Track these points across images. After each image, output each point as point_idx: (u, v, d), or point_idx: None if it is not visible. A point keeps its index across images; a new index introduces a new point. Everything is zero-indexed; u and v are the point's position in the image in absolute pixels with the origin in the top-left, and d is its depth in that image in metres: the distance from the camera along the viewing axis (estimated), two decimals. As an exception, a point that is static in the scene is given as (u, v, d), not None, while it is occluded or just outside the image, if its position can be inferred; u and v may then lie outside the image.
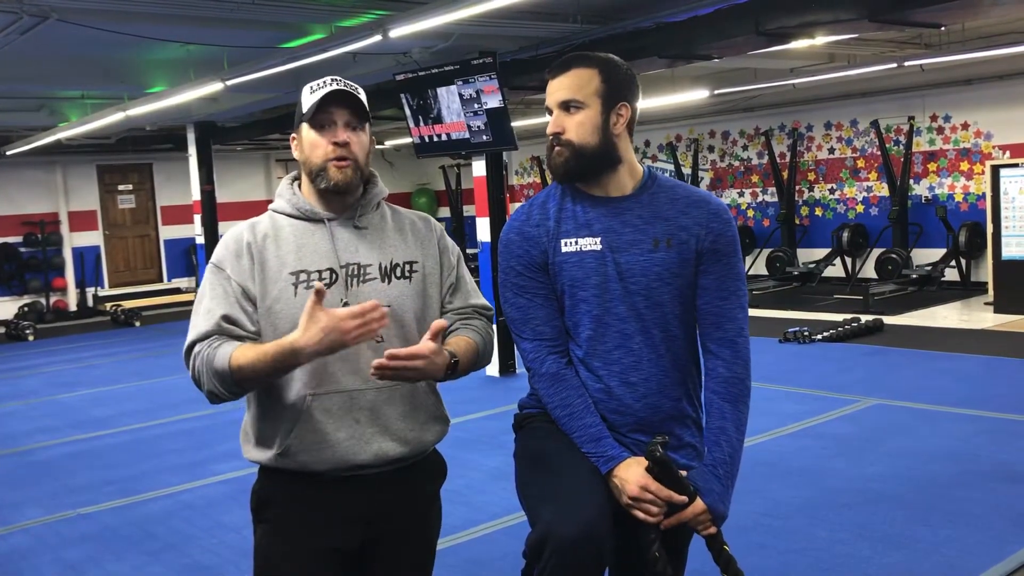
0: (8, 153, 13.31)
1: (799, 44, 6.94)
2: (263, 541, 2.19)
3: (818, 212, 13.32)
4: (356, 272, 2.15)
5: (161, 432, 6.79)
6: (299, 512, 2.14)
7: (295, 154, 2.22)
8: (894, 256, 11.74)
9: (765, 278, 12.96)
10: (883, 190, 12.43)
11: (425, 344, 2.00)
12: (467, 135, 7.81)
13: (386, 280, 2.17)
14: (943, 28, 6.81)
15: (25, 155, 13.51)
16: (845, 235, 12.39)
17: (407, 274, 2.20)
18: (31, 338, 12.82)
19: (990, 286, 10.52)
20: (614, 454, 2.13)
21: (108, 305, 14.61)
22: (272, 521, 2.18)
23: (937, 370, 7.36)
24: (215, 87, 8.02)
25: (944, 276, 11.54)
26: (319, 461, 2.11)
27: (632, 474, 2.08)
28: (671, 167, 14.50)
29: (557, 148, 2.19)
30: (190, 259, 15.76)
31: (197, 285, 14.78)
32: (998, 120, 11.38)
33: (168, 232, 16.06)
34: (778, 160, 13.35)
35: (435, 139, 8.18)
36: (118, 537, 4.63)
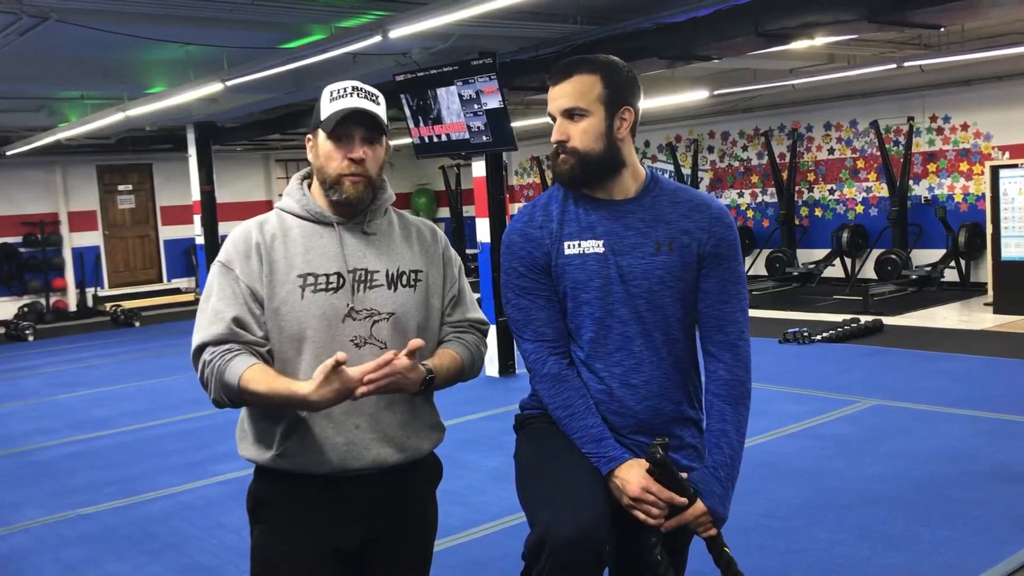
0: (8, 153, 13.31)
1: (799, 45, 6.94)
2: (260, 542, 2.19)
3: (818, 213, 13.32)
4: (363, 278, 2.14)
5: (161, 432, 6.80)
6: (297, 513, 2.14)
7: (309, 156, 2.22)
8: (894, 257, 11.74)
9: (765, 279, 12.97)
10: (883, 191, 12.43)
11: (400, 360, 2.01)
12: (467, 135, 7.81)
13: (392, 287, 2.17)
14: (943, 29, 6.82)
15: (25, 155, 13.51)
16: (845, 236, 12.40)
17: (412, 283, 2.20)
18: (31, 338, 12.81)
19: (989, 287, 10.52)
20: (615, 455, 2.13)
21: (108, 305, 14.61)
22: (270, 522, 2.18)
23: (936, 371, 7.37)
24: (215, 87, 8.02)
25: (943, 277, 11.54)
26: (317, 464, 2.11)
27: (633, 475, 2.09)
28: (671, 167, 14.51)
29: (562, 156, 2.19)
30: (190, 259, 15.76)
31: (197, 285, 14.70)
32: (998, 121, 11.38)
33: (168, 232, 16.06)
34: (778, 161, 13.35)
35: (435, 139, 8.19)
36: (118, 537, 4.63)
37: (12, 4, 5.63)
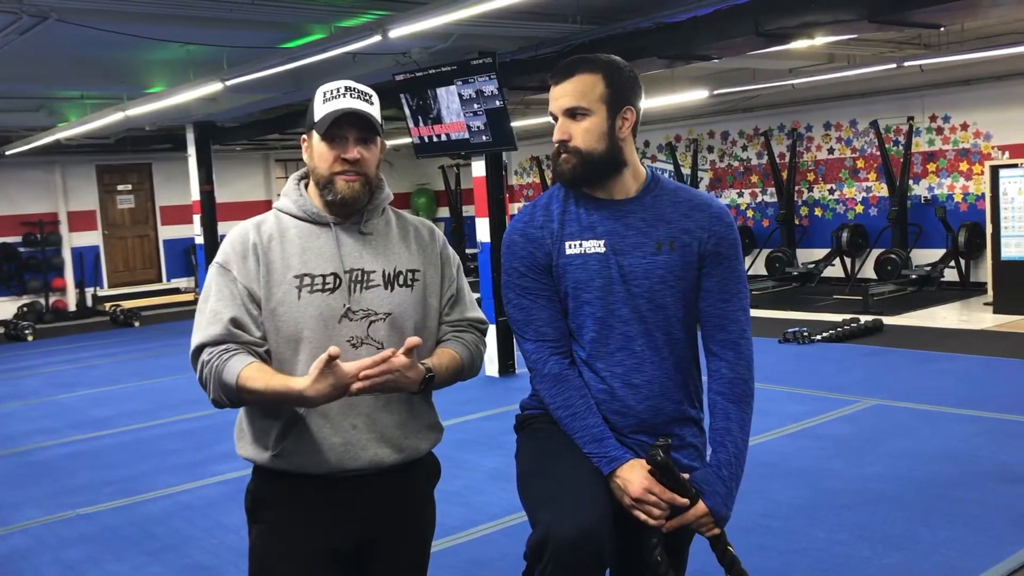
0: (7, 153, 13.31)
1: (799, 44, 6.94)
2: (259, 542, 2.18)
3: (817, 212, 13.32)
4: (360, 278, 2.14)
5: (161, 432, 6.79)
6: (295, 512, 2.14)
7: (304, 157, 2.22)
8: (893, 256, 11.74)
9: (764, 278, 12.97)
10: (882, 190, 12.43)
11: (397, 358, 2.00)
12: (467, 135, 7.81)
13: (389, 287, 2.17)
14: (942, 28, 6.81)
15: (24, 155, 13.51)
16: (844, 235, 12.40)
17: (409, 282, 2.20)
18: (30, 338, 12.80)
19: (989, 286, 10.52)
20: (617, 455, 2.13)
21: (107, 305, 14.60)
22: (268, 522, 2.18)
23: (936, 370, 7.37)
24: (214, 87, 8.02)
25: (943, 276, 11.54)
26: (314, 464, 2.11)
27: (635, 475, 2.09)
28: (670, 167, 14.51)
29: (564, 155, 2.19)
30: (189, 259, 15.76)
31: (196, 285, 14.71)
32: (997, 120, 11.38)
33: (167, 232, 16.05)
34: (777, 160, 13.35)
35: (435, 139, 8.18)
36: (118, 537, 4.63)
37: (12, 4, 5.62)
